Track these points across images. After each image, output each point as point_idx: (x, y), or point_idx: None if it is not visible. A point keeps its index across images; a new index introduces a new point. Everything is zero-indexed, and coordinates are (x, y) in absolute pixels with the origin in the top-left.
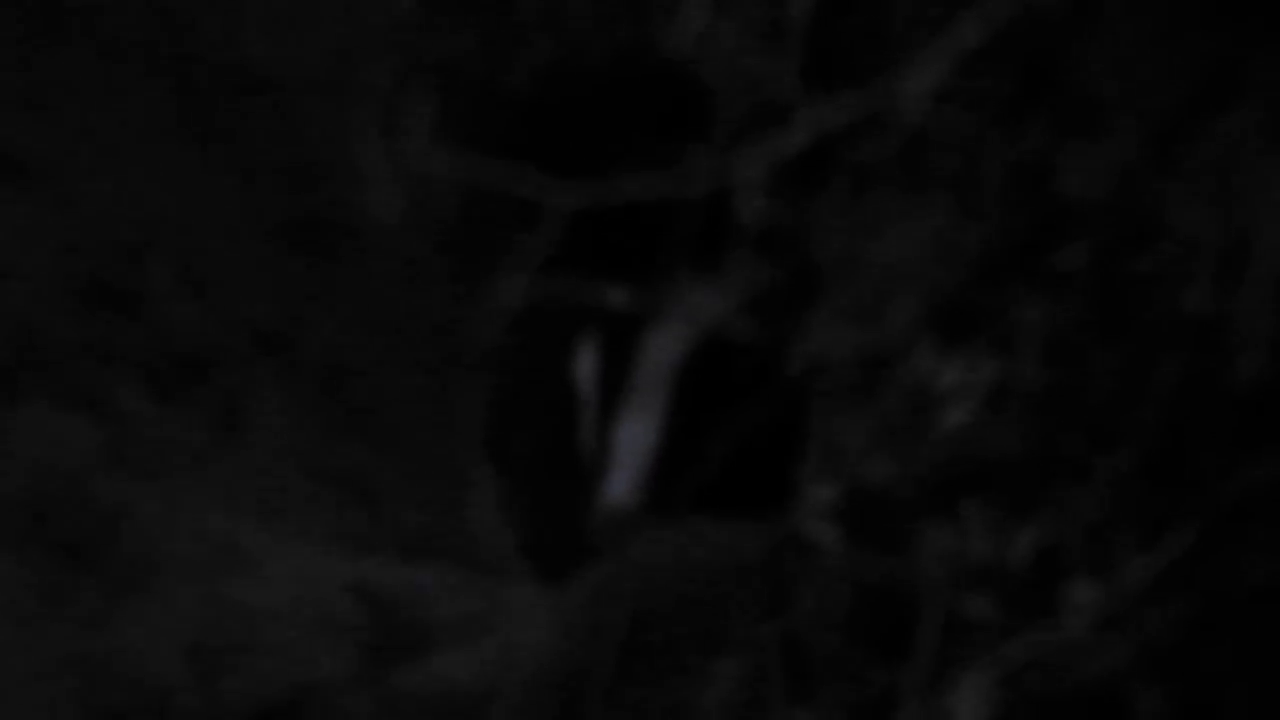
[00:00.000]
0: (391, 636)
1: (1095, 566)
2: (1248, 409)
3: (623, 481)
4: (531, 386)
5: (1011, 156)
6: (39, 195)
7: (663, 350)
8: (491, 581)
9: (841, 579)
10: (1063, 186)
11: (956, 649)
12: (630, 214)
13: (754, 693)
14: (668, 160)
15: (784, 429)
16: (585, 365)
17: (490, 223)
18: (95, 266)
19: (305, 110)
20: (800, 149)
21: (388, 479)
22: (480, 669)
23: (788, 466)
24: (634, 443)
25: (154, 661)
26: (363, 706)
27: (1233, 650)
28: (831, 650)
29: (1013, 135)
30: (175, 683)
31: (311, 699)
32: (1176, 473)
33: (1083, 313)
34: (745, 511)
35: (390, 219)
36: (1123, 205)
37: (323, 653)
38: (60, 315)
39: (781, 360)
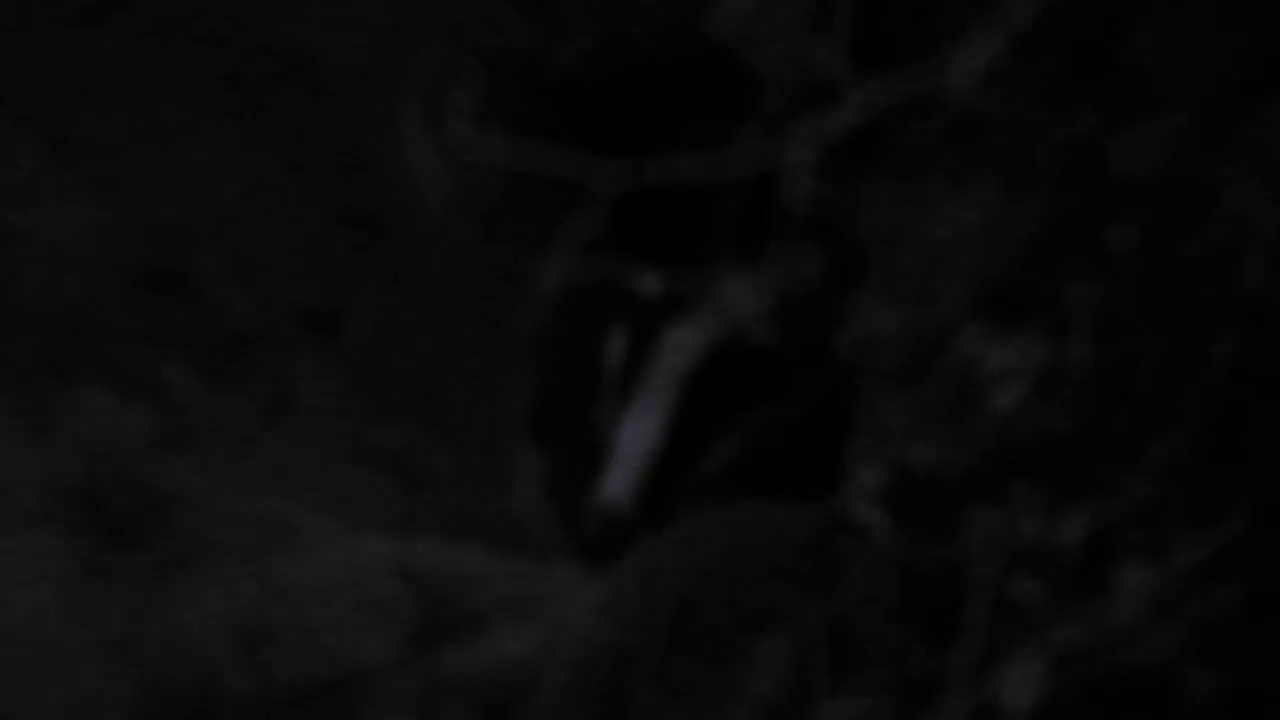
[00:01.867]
0: (437, 618)
1: (1147, 549)
2: None
3: (619, 482)
4: (576, 369)
5: (1062, 136)
6: (91, 180)
7: (681, 350)
8: (537, 563)
9: (889, 562)
10: (1114, 166)
11: (1005, 632)
12: (676, 197)
13: (801, 675)
14: (714, 142)
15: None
16: (614, 352)
17: (536, 206)
18: (146, 251)
19: (353, 95)
20: (848, 130)
21: (434, 461)
22: (526, 651)
23: (835, 449)
24: (634, 443)
25: (202, 642)
26: (408, 687)
27: None
28: (879, 633)
29: (1064, 115)
30: (223, 663)
31: (358, 680)
32: (1229, 454)
33: (1134, 293)
34: (793, 494)
35: (437, 202)
36: (1175, 185)
37: (369, 633)
38: (111, 299)
39: (805, 364)
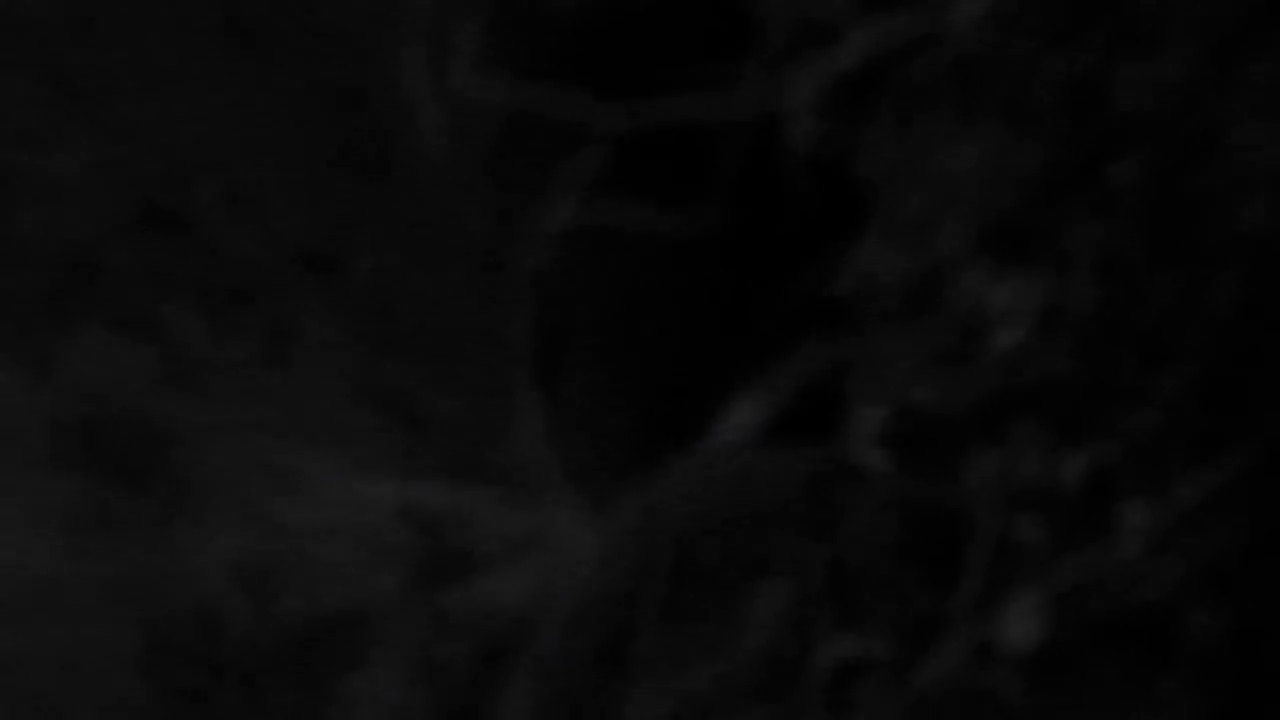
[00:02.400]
0: (439, 559)
1: (1149, 488)
2: None
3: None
4: (580, 310)
5: (1065, 75)
6: (90, 121)
7: None
8: (539, 504)
9: (889, 502)
10: (1118, 104)
11: (1007, 572)
12: (678, 137)
13: (801, 617)
14: (715, 83)
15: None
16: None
17: (537, 146)
18: (146, 190)
19: (353, 34)
20: (850, 70)
21: (436, 401)
22: (528, 591)
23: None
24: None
25: (204, 583)
26: (410, 628)
27: None
28: (879, 574)
29: (1066, 53)
30: (225, 603)
31: (360, 620)
32: (1232, 393)
33: (1137, 231)
34: (791, 434)
35: (438, 143)
36: (1179, 122)
37: (371, 574)
38: (111, 239)
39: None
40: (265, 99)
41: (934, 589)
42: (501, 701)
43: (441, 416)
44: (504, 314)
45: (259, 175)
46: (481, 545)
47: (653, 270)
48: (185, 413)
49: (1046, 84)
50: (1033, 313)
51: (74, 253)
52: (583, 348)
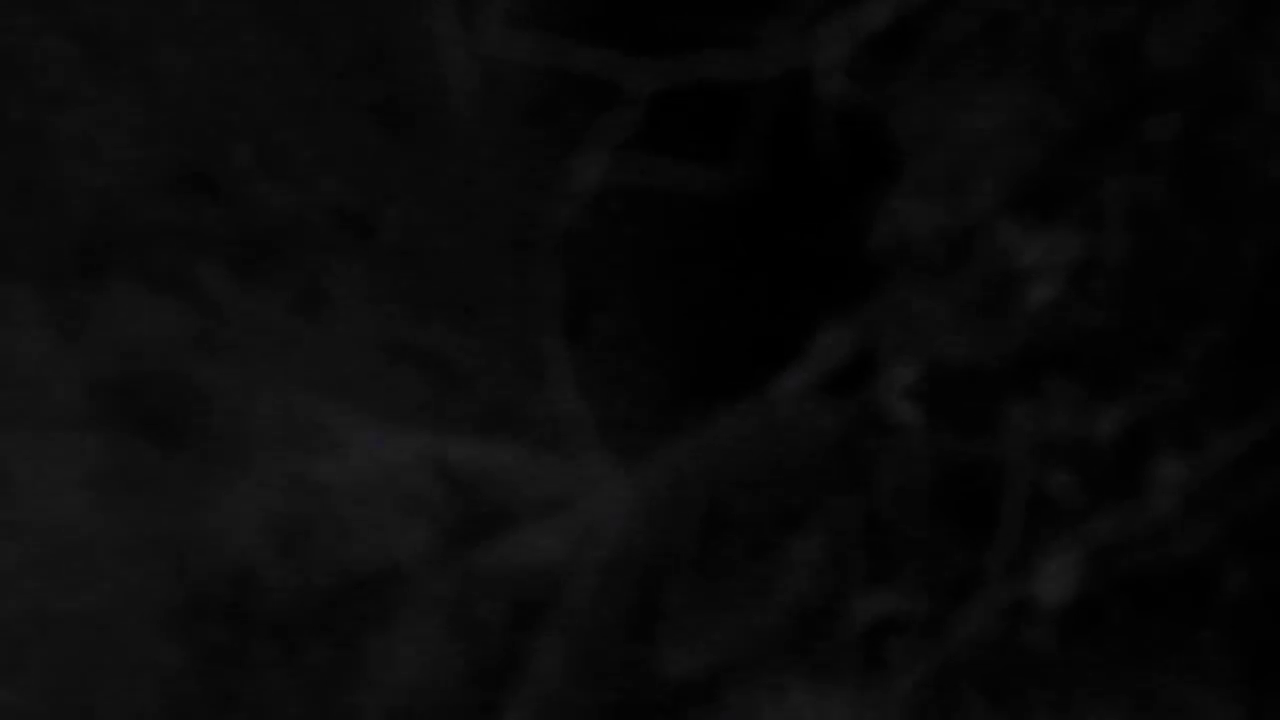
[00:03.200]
0: (472, 514)
1: (1182, 444)
2: None
3: None
4: (611, 267)
5: (1097, 29)
6: (122, 80)
7: None
8: (571, 459)
9: (923, 458)
10: (1150, 59)
11: (1041, 529)
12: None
13: (834, 573)
14: (746, 41)
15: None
16: None
17: (568, 104)
18: (178, 148)
19: None
20: (881, 27)
21: (467, 357)
22: (560, 547)
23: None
24: None
25: (239, 539)
26: (442, 584)
27: None
28: (913, 530)
29: (1098, 8)
30: (259, 560)
31: (392, 577)
32: (1265, 349)
33: (1170, 186)
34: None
35: (468, 100)
36: (1212, 77)
37: (403, 531)
38: (145, 197)
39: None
40: (297, 57)
41: (968, 545)
42: (534, 657)
43: (474, 372)
44: (536, 271)
45: (291, 133)
46: (514, 501)
47: (684, 227)
48: (218, 370)
49: (1078, 41)
50: (1065, 268)
51: (106, 211)
52: (614, 304)
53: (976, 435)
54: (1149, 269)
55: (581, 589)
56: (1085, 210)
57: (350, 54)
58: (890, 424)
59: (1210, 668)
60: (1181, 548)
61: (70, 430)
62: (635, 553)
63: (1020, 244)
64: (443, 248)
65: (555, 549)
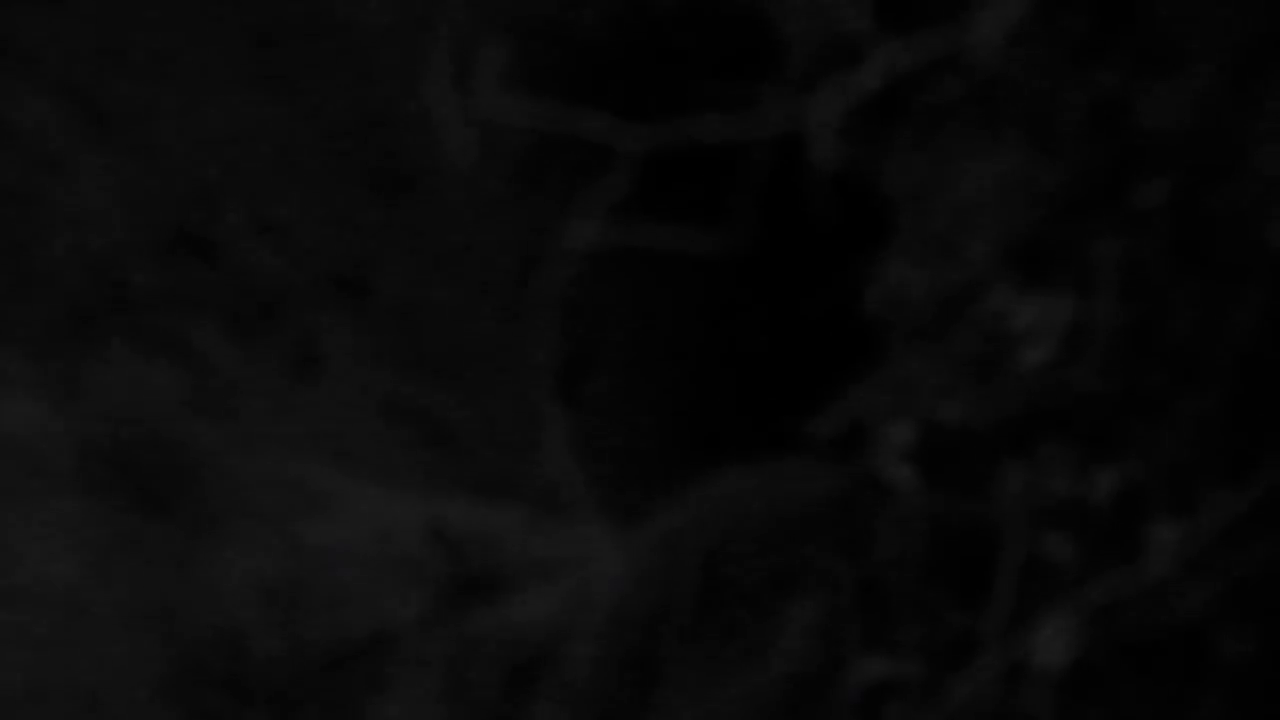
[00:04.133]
0: (467, 578)
1: (1178, 506)
2: None
3: None
4: (606, 328)
5: (1088, 93)
6: (119, 144)
7: None
8: (566, 523)
9: (919, 520)
10: (1141, 123)
11: (1037, 591)
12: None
13: (830, 635)
14: (739, 103)
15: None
16: None
17: (562, 166)
18: (174, 213)
19: (379, 56)
20: (873, 89)
21: (463, 420)
22: (555, 610)
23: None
24: None
25: (232, 604)
26: (437, 648)
27: None
28: (909, 592)
29: (1089, 72)
30: (252, 625)
31: (386, 641)
32: (1258, 411)
33: (1162, 250)
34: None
35: (463, 163)
36: (1202, 140)
37: (398, 595)
38: (140, 261)
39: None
40: (292, 122)
41: (964, 608)
42: None
43: (468, 435)
44: (530, 333)
45: (286, 198)
46: (509, 565)
47: (678, 289)
48: (212, 434)
49: (1069, 103)
50: (1059, 330)
51: (101, 276)
52: (609, 365)
53: (972, 498)
54: (1142, 331)
55: (577, 652)
56: (1078, 273)
57: (346, 119)
58: (886, 486)
59: None
60: (1178, 611)
61: (62, 495)
62: (630, 616)
63: (1013, 306)
64: (437, 310)
65: (550, 612)
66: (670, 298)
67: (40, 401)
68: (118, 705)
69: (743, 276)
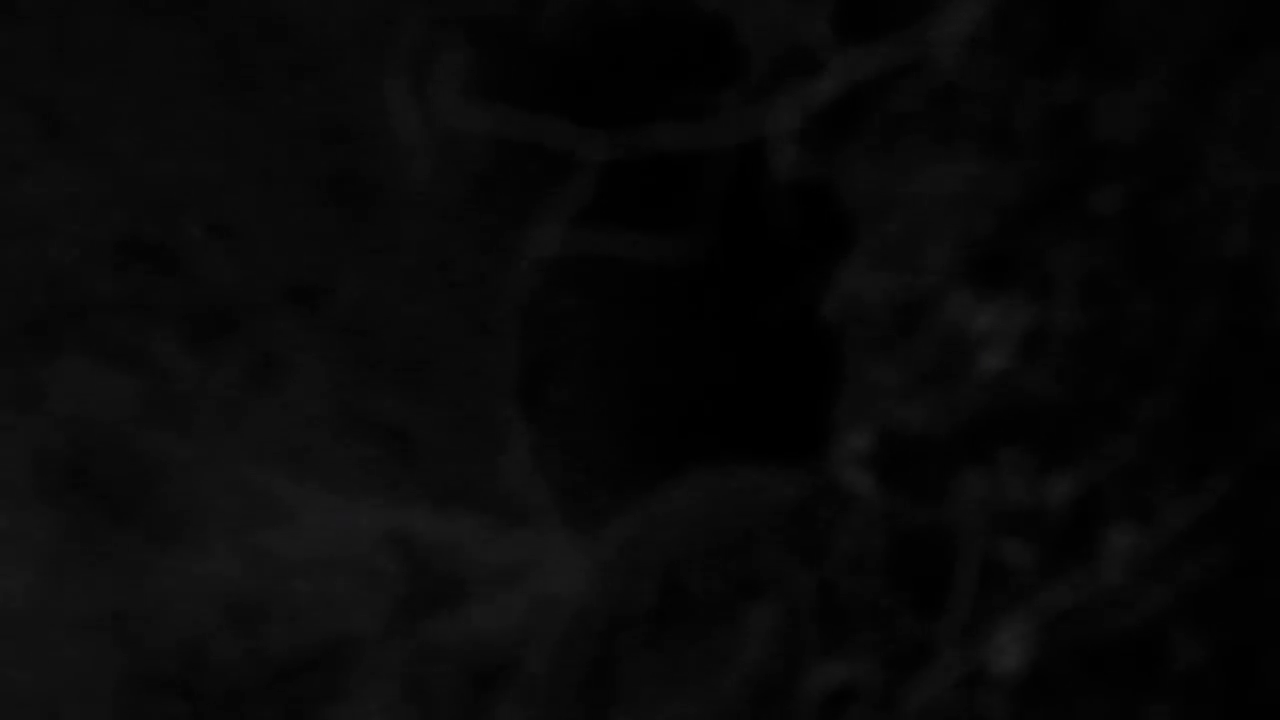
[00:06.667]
0: (426, 587)
1: (1134, 512)
2: None
3: None
4: (566, 337)
5: (1044, 102)
6: (75, 152)
7: None
8: (526, 531)
9: (877, 526)
10: (1097, 131)
11: (994, 596)
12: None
13: (789, 641)
14: (698, 111)
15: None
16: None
17: (522, 175)
18: (131, 222)
19: (338, 64)
20: (831, 97)
21: (422, 429)
22: (515, 619)
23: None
24: None
25: (190, 613)
26: (396, 657)
27: (1273, 596)
28: (867, 598)
29: (1046, 80)
30: (210, 634)
31: (345, 650)
32: (1215, 416)
33: (1118, 256)
34: (777, 456)
35: (423, 171)
36: (1158, 148)
37: (358, 604)
38: (97, 270)
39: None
40: (250, 130)
41: (921, 614)
42: None
43: (428, 444)
44: (491, 341)
45: (244, 206)
46: (469, 572)
47: (638, 297)
48: (170, 443)
49: (1025, 111)
50: (1016, 336)
51: (57, 283)
52: (569, 374)
53: (929, 504)
54: (1099, 338)
55: (537, 660)
56: (1035, 279)
57: (305, 127)
58: (845, 493)
59: None
60: (1134, 617)
61: (18, 505)
62: (591, 623)
63: (971, 312)
64: (397, 319)
65: (510, 620)
66: (630, 306)
67: None
68: (75, 714)
69: (702, 284)
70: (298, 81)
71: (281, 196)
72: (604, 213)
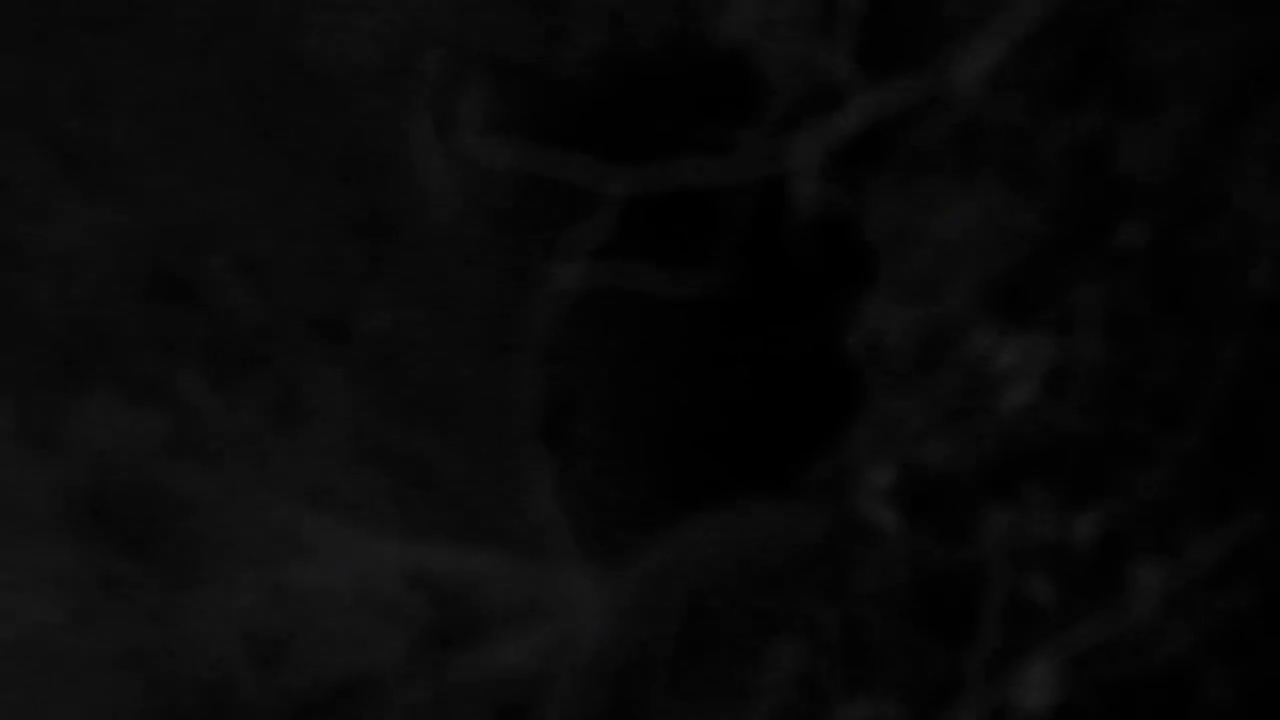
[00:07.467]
0: (448, 623)
1: (1161, 548)
2: None
3: None
4: (589, 372)
5: (1068, 136)
6: (100, 191)
7: None
8: (548, 567)
9: (901, 562)
10: (1121, 166)
11: (1020, 633)
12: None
13: (813, 677)
14: (720, 147)
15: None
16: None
17: (545, 211)
18: (156, 258)
19: (361, 101)
20: (854, 133)
21: (445, 465)
22: (537, 655)
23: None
24: None
25: (213, 650)
26: (420, 693)
27: None
28: (891, 634)
29: (1069, 115)
30: (234, 671)
31: (369, 686)
32: (1241, 452)
33: (1143, 292)
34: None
35: (445, 207)
36: (1183, 183)
37: (380, 640)
38: (122, 306)
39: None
40: (274, 168)
41: (947, 650)
42: None
43: (450, 479)
44: (513, 377)
45: (268, 242)
46: (491, 609)
47: (661, 332)
48: (194, 479)
49: (1048, 147)
50: (1040, 372)
51: (83, 320)
52: (592, 409)
53: (954, 540)
54: (1124, 373)
55: (559, 696)
56: (1060, 314)
57: (328, 162)
58: (869, 529)
59: None
60: (1161, 653)
61: (44, 541)
62: (613, 660)
63: (995, 347)
64: (420, 354)
65: (533, 656)
66: (653, 341)
67: (23, 446)
68: None
69: (725, 319)
70: (321, 118)
71: (305, 233)
72: (626, 248)
